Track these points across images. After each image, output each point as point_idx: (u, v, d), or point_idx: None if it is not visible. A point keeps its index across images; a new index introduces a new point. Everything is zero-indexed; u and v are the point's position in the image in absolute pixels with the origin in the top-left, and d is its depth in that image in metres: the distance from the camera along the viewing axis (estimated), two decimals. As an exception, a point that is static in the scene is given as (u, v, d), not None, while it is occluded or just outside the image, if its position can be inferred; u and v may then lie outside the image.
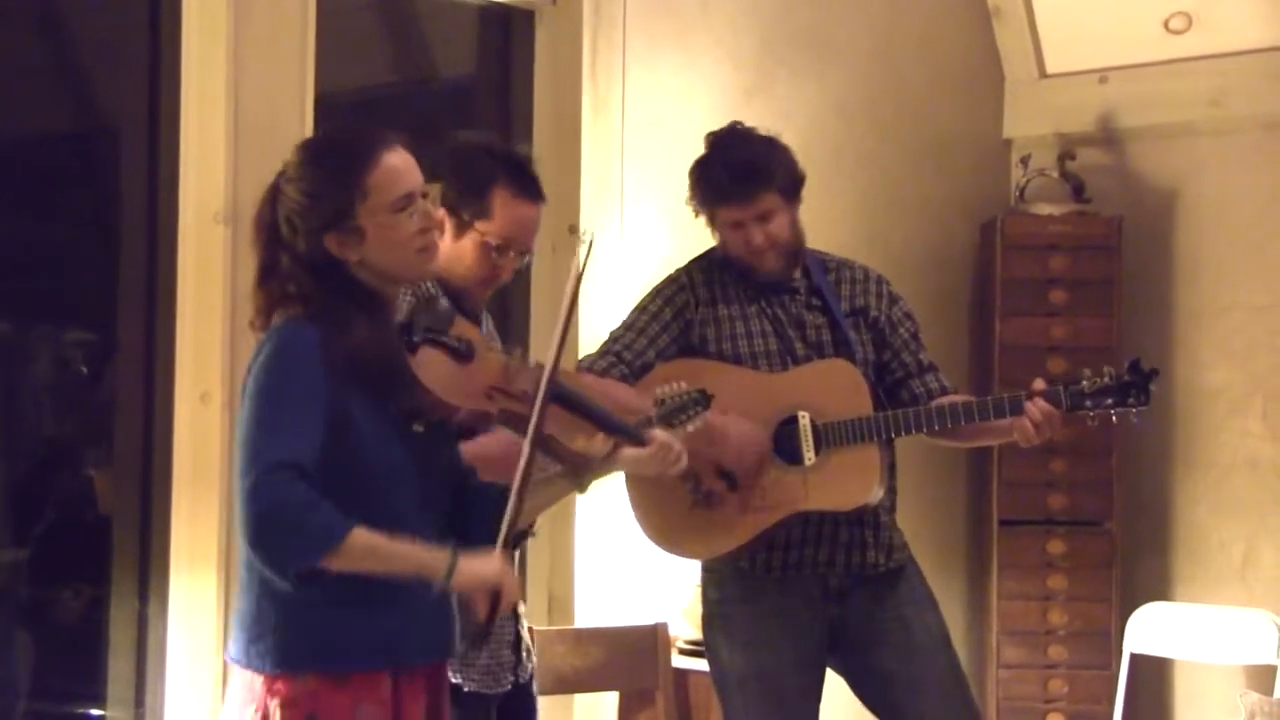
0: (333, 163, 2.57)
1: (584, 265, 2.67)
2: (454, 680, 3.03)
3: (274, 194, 2.59)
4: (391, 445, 2.53)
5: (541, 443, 2.62)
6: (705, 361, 3.59)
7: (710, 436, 3.31)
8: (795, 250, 3.61)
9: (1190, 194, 5.33)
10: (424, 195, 2.60)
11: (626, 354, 3.58)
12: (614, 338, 3.63)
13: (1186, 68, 5.25)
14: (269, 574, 2.42)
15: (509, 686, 3.19)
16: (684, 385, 3.09)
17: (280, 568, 2.40)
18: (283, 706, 2.46)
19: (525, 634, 3.27)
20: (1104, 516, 5.16)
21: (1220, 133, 5.25)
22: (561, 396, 2.72)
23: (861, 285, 3.68)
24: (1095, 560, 5.13)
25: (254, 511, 2.37)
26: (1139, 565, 5.28)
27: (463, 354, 2.64)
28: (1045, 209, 5.28)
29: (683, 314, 3.63)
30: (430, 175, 2.70)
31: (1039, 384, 3.44)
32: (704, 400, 3.13)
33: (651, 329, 3.61)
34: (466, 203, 3.12)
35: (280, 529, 2.38)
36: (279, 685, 2.47)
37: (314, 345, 2.47)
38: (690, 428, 3.10)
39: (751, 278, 3.61)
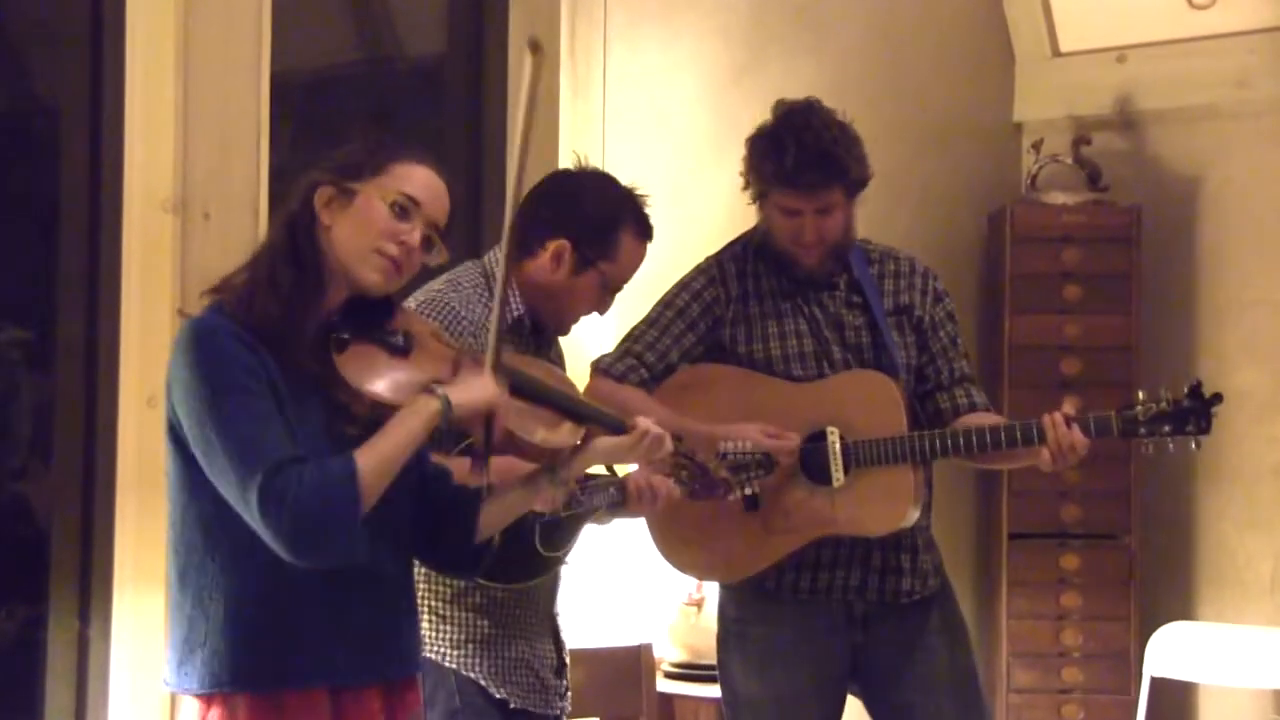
0: (378, 138, 2.69)
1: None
2: (498, 695, 3.13)
3: None
4: (321, 448, 2.53)
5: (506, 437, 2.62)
6: (730, 369, 3.57)
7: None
8: (843, 250, 3.58)
9: (1214, 181, 5.33)
10: (435, 231, 2.65)
11: (648, 355, 3.55)
12: (635, 336, 3.60)
13: (1210, 46, 5.26)
14: (339, 564, 2.46)
15: (559, 713, 3.27)
16: (750, 446, 3.24)
17: (342, 554, 2.45)
18: None
19: (568, 658, 3.33)
20: (1122, 529, 5.16)
21: (1246, 115, 5.26)
22: (521, 389, 2.69)
23: (907, 280, 3.64)
24: (1112, 576, 5.13)
25: (283, 525, 2.41)
26: (1159, 582, 5.28)
27: (398, 348, 2.62)
28: (1058, 198, 5.28)
29: (711, 310, 3.60)
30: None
31: (1069, 407, 3.40)
32: (768, 465, 3.25)
33: (676, 327, 3.59)
34: (592, 241, 3.23)
35: (319, 525, 2.43)
36: (214, 711, 2.50)
37: (229, 330, 2.51)
38: (747, 491, 3.14)
39: (789, 270, 3.58)
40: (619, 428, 2.77)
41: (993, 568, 5.29)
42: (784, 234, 3.53)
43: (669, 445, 2.82)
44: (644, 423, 2.78)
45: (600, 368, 3.57)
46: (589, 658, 4.32)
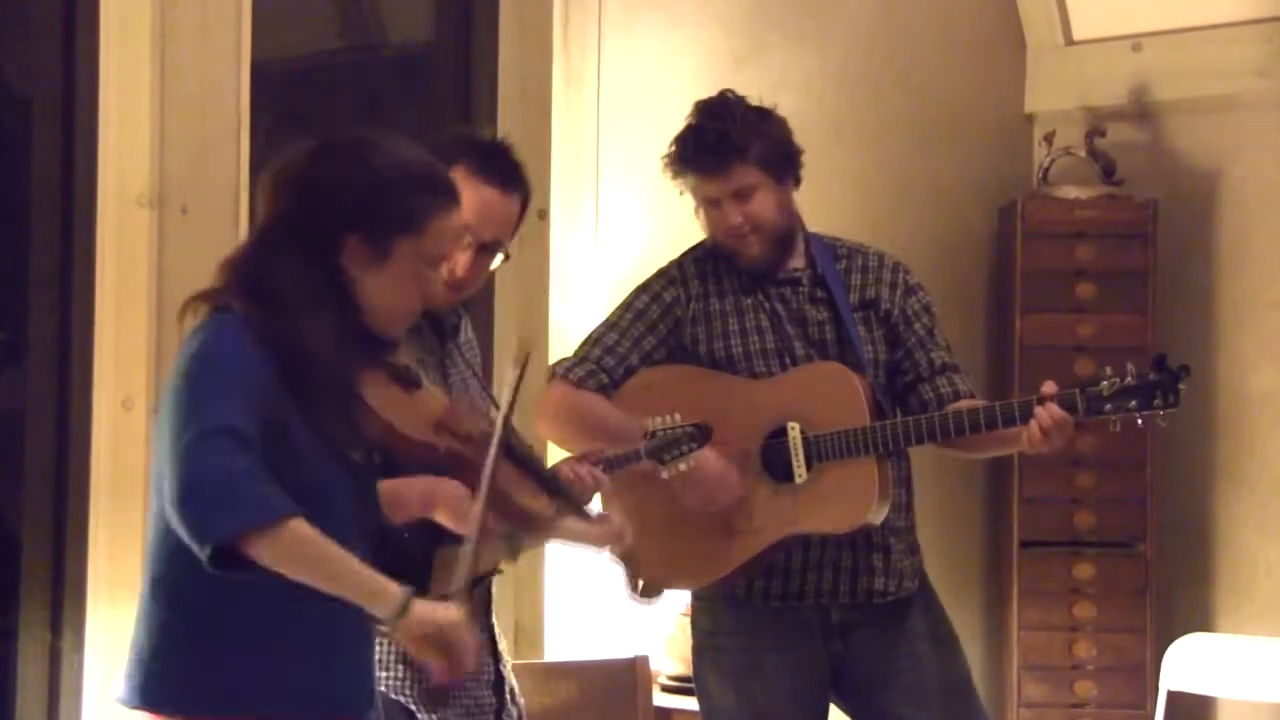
0: (418, 175, 2.59)
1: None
2: None
3: (324, 153, 2.58)
4: (329, 464, 2.53)
5: (495, 499, 2.64)
6: (691, 369, 3.60)
7: (687, 475, 3.38)
8: (784, 236, 3.60)
9: (1234, 175, 5.32)
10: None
11: (607, 359, 3.58)
12: (594, 339, 3.63)
13: (1230, 33, 5.24)
14: (188, 540, 2.34)
15: None
16: (678, 418, 3.22)
17: (201, 533, 2.33)
18: None
19: (508, 673, 3.30)
20: (1137, 537, 5.15)
21: (1268, 106, 5.24)
22: (513, 453, 2.76)
23: (874, 274, 3.67)
24: (1128, 586, 5.13)
25: (189, 471, 2.33)
26: (1176, 592, 5.28)
27: (410, 381, 2.65)
28: (1071, 192, 5.27)
29: (671, 311, 3.63)
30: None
31: (1049, 387, 3.42)
32: (699, 436, 3.24)
33: (635, 329, 3.61)
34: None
35: (213, 493, 2.33)
36: None
37: (249, 343, 2.46)
38: (682, 465, 3.16)
39: (742, 266, 3.60)
40: (585, 514, 2.93)
41: (1003, 577, 5.28)
42: (715, 227, 3.58)
43: (630, 541, 3.00)
44: (617, 521, 2.96)
45: (559, 372, 3.60)
46: (581, 671, 4.33)
